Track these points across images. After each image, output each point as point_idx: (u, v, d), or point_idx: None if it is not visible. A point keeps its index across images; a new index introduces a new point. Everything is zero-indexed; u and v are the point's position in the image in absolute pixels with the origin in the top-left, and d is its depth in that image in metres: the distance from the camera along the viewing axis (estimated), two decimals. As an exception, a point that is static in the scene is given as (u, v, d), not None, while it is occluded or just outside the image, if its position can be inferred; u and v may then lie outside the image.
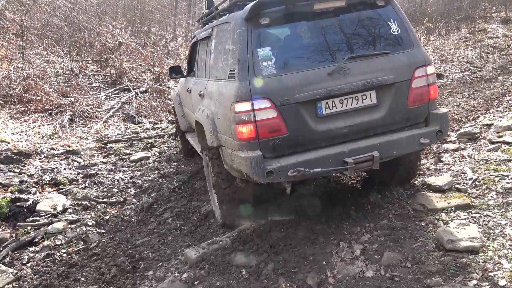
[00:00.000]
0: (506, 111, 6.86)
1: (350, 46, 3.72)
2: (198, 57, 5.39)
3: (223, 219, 4.31)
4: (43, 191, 6.33)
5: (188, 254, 3.92)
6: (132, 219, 5.32)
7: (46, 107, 10.54)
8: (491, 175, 4.50)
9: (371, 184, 4.72)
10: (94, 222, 5.25)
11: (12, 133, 8.98)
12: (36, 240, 4.88)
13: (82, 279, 3.97)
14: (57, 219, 5.37)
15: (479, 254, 3.19)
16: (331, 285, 3.14)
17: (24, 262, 4.45)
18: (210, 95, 4.19)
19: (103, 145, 8.88)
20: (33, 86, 10.91)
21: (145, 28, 20.31)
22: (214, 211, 4.64)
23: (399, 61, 3.72)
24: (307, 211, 4.30)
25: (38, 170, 7.09)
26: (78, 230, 5.03)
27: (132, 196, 6.15)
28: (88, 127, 10.08)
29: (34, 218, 5.43)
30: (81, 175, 7.01)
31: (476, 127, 6.21)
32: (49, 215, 5.50)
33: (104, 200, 6.03)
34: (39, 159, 7.75)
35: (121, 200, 6.02)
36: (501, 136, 5.59)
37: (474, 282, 2.91)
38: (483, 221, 3.68)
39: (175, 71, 6.25)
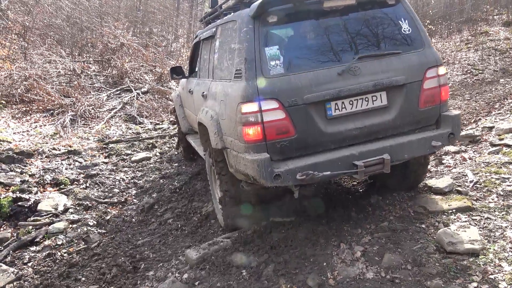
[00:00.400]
0: (508, 113, 6.86)
1: (360, 45, 3.62)
2: (201, 57, 5.30)
3: (226, 222, 4.22)
4: (44, 191, 6.34)
5: (189, 255, 3.93)
6: (133, 220, 5.33)
7: (47, 107, 10.55)
8: (492, 177, 4.51)
9: (372, 186, 4.72)
10: (95, 222, 5.26)
11: (14, 133, 9.00)
12: (37, 239, 4.89)
13: (83, 279, 3.97)
14: (58, 219, 5.38)
15: (480, 257, 3.19)
16: (332, 287, 3.14)
17: (25, 261, 4.46)
18: (214, 95, 4.09)
19: (104, 146, 8.90)
20: (35, 86, 10.93)
21: (147, 29, 20.35)
22: (216, 214, 4.57)
23: (411, 61, 3.63)
24: (307, 212, 4.30)
25: (39, 170, 7.11)
26: (79, 230, 5.03)
27: (133, 197, 6.16)
28: (90, 127, 10.10)
29: (35, 217, 5.44)
30: (82, 175, 7.03)
31: (477, 130, 6.22)
32: (50, 215, 5.51)
33: (105, 200, 6.04)
34: (41, 159, 7.76)
35: (122, 200, 6.04)
36: (502, 139, 5.60)
37: (475, 284, 2.91)
38: (484, 223, 3.68)
39: (176, 72, 6.15)
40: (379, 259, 3.34)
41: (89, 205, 5.86)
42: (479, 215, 3.82)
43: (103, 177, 6.96)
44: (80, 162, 7.77)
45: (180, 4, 24.96)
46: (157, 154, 8.26)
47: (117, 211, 5.65)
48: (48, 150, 8.22)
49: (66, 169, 7.33)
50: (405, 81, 3.57)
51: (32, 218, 5.43)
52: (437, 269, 3.12)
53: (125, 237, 4.80)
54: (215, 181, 4.44)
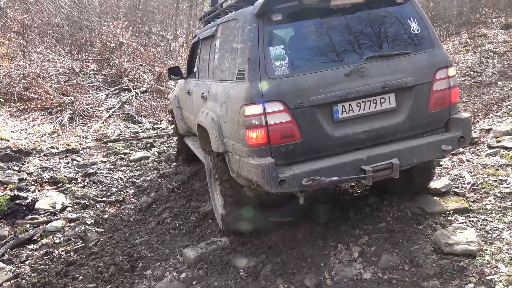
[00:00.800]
0: (505, 116, 6.89)
1: (368, 45, 3.49)
2: (200, 58, 5.14)
3: (226, 227, 4.09)
4: (42, 189, 6.33)
5: (187, 254, 3.93)
6: (131, 219, 5.33)
7: (46, 106, 10.54)
8: (489, 179, 4.52)
9: (371, 188, 4.71)
10: (93, 221, 5.26)
11: (12, 131, 8.99)
12: (35, 238, 4.88)
13: (81, 277, 3.97)
14: (56, 218, 5.38)
15: (477, 258, 3.21)
16: (329, 287, 3.15)
17: (22, 259, 4.46)
18: (214, 97, 3.95)
19: (102, 144, 8.89)
20: (34, 85, 10.91)
21: (146, 28, 20.34)
22: (216, 218, 4.46)
23: (420, 62, 3.51)
24: (305, 213, 4.31)
25: (37, 168, 7.10)
26: (76, 228, 5.03)
27: (131, 196, 6.16)
28: (88, 126, 10.09)
29: (33, 216, 5.43)
30: (80, 174, 7.02)
31: (475, 132, 6.24)
32: (48, 213, 5.50)
33: (103, 199, 6.03)
34: (39, 157, 7.75)
35: (120, 199, 6.03)
36: (499, 141, 5.62)
37: (471, 285, 2.92)
38: (481, 225, 3.70)
39: (174, 73, 6.01)
40: (377, 260, 3.36)
41: (87, 203, 5.85)
42: (476, 217, 3.84)
43: (101, 176, 6.96)
44: (78, 161, 7.76)
45: (179, 4, 24.95)
46: (155, 153, 8.26)
47: (115, 210, 5.64)
48: (46, 148, 8.21)
49: (64, 167, 7.32)
50: (414, 82, 3.46)
51: (29, 217, 5.42)
52: (434, 270, 3.13)
53: (122, 236, 4.80)
54: (215, 185, 4.33)
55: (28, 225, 5.17)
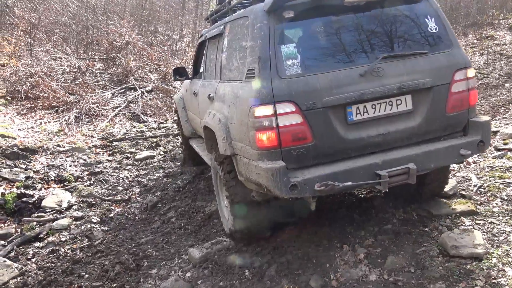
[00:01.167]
0: (512, 118, 6.85)
1: (384, 44, 3.36)
2: (207, 57, 5.00)
3: (233, 232, 3.94)
4: (48, 188, 6.37)
5: (192, 254, 3.94)
6: (137, 218, 5.35)
7: (52, 104, 10.59)
8: (496, 182, 4.50)
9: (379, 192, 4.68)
10: (99, 220, 5.28)
11: (19, 129, 9.04)
12: (41, 235, 4.92)
13: (86, 275, 3.99)
14: (62, 216, 5.41)
15: (483, 261, 3.19)
16: (334, 288, 3.15)
17: (29, 257, 4.49)
18: (222, 97, 3.82)
19: (108, 143, 8.93)
20: (40, 83, 10.97)
21: (152, 28, 20.39)
22: (222, 223, 4.31)
23: (438, 63, 3.36)
24: (311, 213, 4.30)
25: (44, 167, 7.14)
26: (82, 227, 5.06)
27: (136, 195, 6.18)
28: (94, 125, 10.13)
29: (39, 214, 5.48)
30: (86, 173, 7.06)
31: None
32: (54, 211, 5.54)
33: (109, 197, 6.06)
34: (45, 155, 7.80)
35: (126, 198, 6.06)
36: (506, 143, 5.59)
37: (478, 288, 2.91)
38: (488, 228, 3.68)
39: (179, 73, 5.89)
40: (382, 262, 3.35)
41: (93, 202, 5.88)
42: (482, 219, 3.82)
43: (107, 175, 6.99)
44: (84, 160, 7.80)
45: (185, 3, 24.99)
46: (161, 152, 8.28)
47: (120, 209, 5.67)
48: (53, 147, 8.25)
49: (70, 166, 7.36)
50: (432, 83, 3.32)
51: (36, 214, 5.46)
52: (440, 272, 3.12)
53: (128, 235, 4.81)
54: (222, 189, 4.20)
55: (34, 223, 5.21)
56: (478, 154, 5.48)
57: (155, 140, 9.11)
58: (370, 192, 4.76)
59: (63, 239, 4.78)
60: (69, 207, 5.71)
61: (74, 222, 5.21)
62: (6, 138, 8.13)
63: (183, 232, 4.72)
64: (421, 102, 3.35)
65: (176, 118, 8.53)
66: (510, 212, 3.87)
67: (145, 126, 10.51)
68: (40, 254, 4.52)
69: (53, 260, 4.36)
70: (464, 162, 5.34)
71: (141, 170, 7.27)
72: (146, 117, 11.07)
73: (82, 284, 3.85)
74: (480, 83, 10.68)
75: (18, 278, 4.04)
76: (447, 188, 4.36)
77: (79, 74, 12.52)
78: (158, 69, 14.24)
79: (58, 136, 9.14)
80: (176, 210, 5.37)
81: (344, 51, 3.27)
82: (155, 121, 10.93)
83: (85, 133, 9.54)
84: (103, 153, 8.35)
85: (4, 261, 4.27)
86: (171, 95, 12.38)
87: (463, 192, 4.39)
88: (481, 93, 9.62)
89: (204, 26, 18.51)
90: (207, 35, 5.03)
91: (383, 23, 3.40)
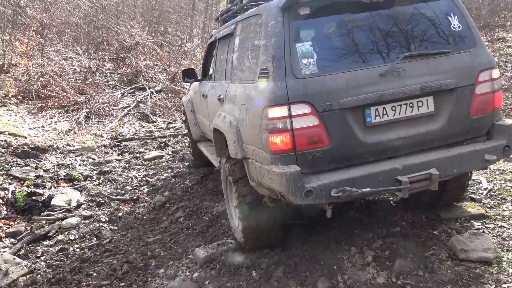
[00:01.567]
0: (524, 121, 6.77)
1: (405, 43, 3.21)
2: (217, 58, 4.86)
3: (244, 240, 3.79)
4: (58, 186, 6.42)
5: (197, 253, 3.96)
6: (145, 217, 5.37)
7: (63, 104, 10.69)
8: (506, 185, 4.46)
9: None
10: (107, 219, 5.31)
11: (30, 128, 9.13)
12: (50, 234, 4.95)
13: (94, 274, 4.01)
14: (71, 214, 5.45)
15: (493, 265, 3.16)
16: (342, 290, 3.14)
17: (38, 255, 4.52)
18: (233, 99, 3.68)
19: (117, 143, 8.99)
20: (51, 83, 11.08)
21: (162, 28, 20.49)
22: (233, 231, 4.15)
23: (462, 63, 3.20)
24: (319, 215, 4.29)
25: (53, 166, 7.20)
26: (91, 226, 5.09)
27: (145, 194, 6.21)
28: (104, 125, 10.20)
29: (49, 212, 5.51)
30: (95, 172, 7.10)
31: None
32: (63, 210, 5.58)
33: (118, 197, 6.09)
34: (55, 154, 7.86)
35: (134, 197, 6.08)
36: (518, 147, 5.52)
37: (487, 293, 2.88)
38: (498, 232, 3.64)
39: (188, 75, 5.75)
40: (390, 264, 3.33)
41: (102, 201, 5.91)
42: (492, 223, 3.79)
43: (115, 174, 7.03)
44: (94, 159, 7.86)
45: (195, 4, 25.08)
46: (170, 153, 8.31)
47: (129, 208, 5.69)
48: (63, 146, 8.32)
49: (79, 165, 7.42)
50: (455, 84, 3.16)
51: (45, 213, 5.50)
52: (449, 276, 3.10)
53: (136, 234, 4.83)
54: (231, 195, 4.01)
55: (44, 221, 5.25)
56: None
57: (163, 140, 9.15)
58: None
59: (72, 238, 4.81)
60: (78, 206, 5.75)
61: (83, 221, 5.24)
62: (17, 137, 8.21)
63: (191, 232, 4.73)
64: (444, 104, 3.19)
65: (184, 120, 8.39)
66: (521, 216, 3.82)
67: (154, 126, 10.56)
68: (49, 252, 4.56)
69: (62, 258, 4.39)
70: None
71: (149, 170, 7.31)
72: (155, 117, 11.13)
73: (90, 282, 3.87)
74: (491, 86, 10.56)
75: (27, 276, 4.07)
76: (456, 191, 4.30)
77: (90, 74, 12.62)
78: (168, 69, 14.31)
79: (68, 135, 9.21)
80: (184, 210, 5.38)
81: (363, 50, 3.12)
82: (164, 121, 10.98)
83: (94, 132, 9.61)
84: (112, 153, 8.40)
85: (14, 258, 4.30)
86: (180, 96, 12.44)
87: (473, 195, 4.35)
88: (492, 96, 9.52)
89: (214, 27, 18.55)
90: (217, 35, 4.92)
91: (404, 20, 3.24)
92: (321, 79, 2.95)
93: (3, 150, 7.26)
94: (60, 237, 4.85)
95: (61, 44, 13.69)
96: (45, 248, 4.66)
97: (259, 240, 3.74)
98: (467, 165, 3.23)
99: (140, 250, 4.38)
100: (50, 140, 8.57)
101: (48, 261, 4.37)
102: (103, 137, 9.39)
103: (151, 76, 13.55)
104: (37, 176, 6.54)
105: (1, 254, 4.39)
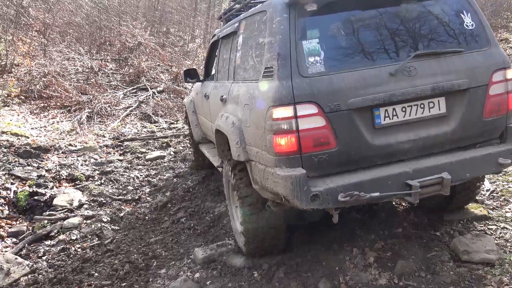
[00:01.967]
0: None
1: (416, 41, 3.08)
2: (219, 58, 4.74)
3: (247, 246, 3.67)
4: (60, 186, 6.43)
5: (196, 254, 3.97)
6: (146, 217, 5.37)
7: (65, 104, 10.72)
8: (509, 187, 4.44)
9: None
10: (109, 219, 5.31)
11: (32, 128, 9.15)
12: (52, 234, 4.96)
13: (96, 274, 4.02)
14: (73, 214, 5.46)
15: (495, 267, 3.15)
16: (343, 291, 3.13)
17: (39, 255, 4.53)
18: (236, 99, 3.58)
19: (119, 143, 9.00)
20: (54, 83, 11.11)
21: (164, 29, 20.52)
22: (235, 237, 4.05)
23: (475, 62, 3.07)
24: (321, 216, 4.28)
25: (55, 165, 7.21)
26: (93, 225, 5.09)
27: (146, 195, 6.21)
28: (105, 125, 10.21)
29: (51, 212, 5.52)
30: (97, 172, 7.11)
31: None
32: (65, 210, 5.59)
33: (119, 197, 6.09)
34: (57, 154, 7.88)
35: (136, 198, 6.09)
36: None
37: (490, 294, 2.87)
38: (500, 233, 3.63)
39: (190, 75, 5.65)
40: (392, 266, 3.32)
41: (104, 201, 5.92)
42: (495, 225, 3.77)
43: (117, 174, 7.03)
44: (96, 159, 7.87)
45: (197, 4, 25.10)
46: (171, 153, 8.31)
47: (130, 209, 5.70)
48: (65, 146, 8.34)
49: (81, 165, 7.43)
50: (468, 85, 3.03)
51: (47, 213, 5.51)
52: (451, 277, 3.09)
53: (138, 234, 4.83)
54: (234, 199, 3.90)
55: (45, 221, 5.25)
56: None
57: (165, 140, 9.15)
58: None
59: (73, 238, 4.82)
60: (80, 206, 5.76)
61: (84, 221, 5.25)
62: (19, 137, 8.23)
63: (193, 233, 4.73)
64: (456, 106, 3.06)
65: (186, 122, 8.17)
66: (523, 217, 3.81)
67: (156, 126, 10.57)
68: (51, 252, 4.56)
69: (63, 258, 4.40)
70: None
71: (151, 170, 7.31)
72: (157, 117, 11.14)
73: (92, 282, 3.88)
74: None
75: (29, 276, 4.08)
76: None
77: (92, 74, 12.65)
78: (170, 70, 14.33)
79: (70, 135, 9.23)
80: (186, 210, 5.38)
81: (372, 48, 3.00)
82: (165, 122, 10.98)
83: (96, 132, 9.62)
84: (114, 153, 8.41)
85: (16, 258, 4.31)
86: (182, 96, 12.44)
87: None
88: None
89: (216, 27, 18.58)
90: (220, 35, 4.80)
91: (414, 18, 3.12)
92: (328, 78, 2.84)
93: (5, 150, 7.29)
94: (61, 237, 4.85)
95: (63, 44, 13.72)
96: (47, 248, 4.67)
97: (261, 246, 3.64)
98: (481, 169, 3.09)
99: (141, 250, 4.38)
100: (52, 140, 8.59)
101: (49, 261, 4.37)
102: (105, 137, 9.40)
103: (153, 77, 13.57)
104: (39, 176, 6.55)
105: (3, 254, 4.40)
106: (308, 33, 2.93)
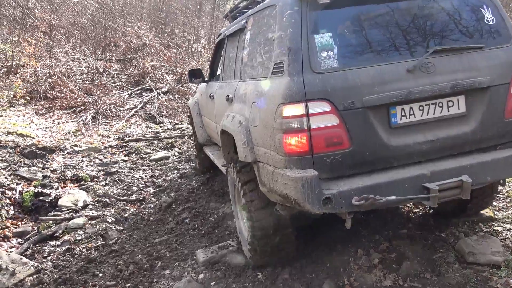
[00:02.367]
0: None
1: (435, 36, 2.92)
2: (225, 57, 4.59)
3: (254, 254, 3.52)
4: (65, 187, 6.46)
5: (198, 256, 3.98)
6: (151, 218, 5.38)
7: (70, 104, 10.75)
8: (515, 188, 4.41)
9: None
10: (114, 219, 5.32)
11: (37, 129, 9.19)
12: (57, 234, 4.98)
13: (101, 274, 4.02)
14: (78, 215, 5.47)
15: (501, 269, 3.12)
16: (348, 293, 3.12)
17: (44, 255, 4.55)
18: (243, 98, 3.43)
19: (124, 144, 9.02)
20: (59, 84, 11.15)
21: (169, 30, 20.56)
22: (241, 245, 3.90)
23: (496, 59, 2.92)
24: (325, 217, 4.25)
25: (61, 166, 7.24)
26: (97, 226, 5.10)
27: (151, 195, 6.22)
28: (110, 126, 10.24)
29: (56, 212, 5.55)
30: (102, 172, 7.13)
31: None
32: (70, 210, 5.61)
33: (124, 197, 6.11)
34: (62, 155, 7.91)
35: (141, 198, 6.10)
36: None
37: (496, 296, 2.85)
38: (506, 235, 3.60)
39: (195, 75, 5.54)
40: (397, 267, 3.30)
41: (108, 202, 5.93)
42: (501, 226, 3.74)
43: (122, 175, 7.05)
44: (100, 160, 7.89)
45: (202, 5, 25.14)
46: (176, 153, 8.33)
47: (135, 209, 5.71)
48: (70, 146, 8.37)
49: (86, 166, 7.45)
50: (489, 83, 2.87)
51: (52, 213, 5.54)
52: (456, 279, 3.07)
53: (142, 235, 4.84)
54: (240, 204, 3.72)
55: (50, 222, 5.28)
56: None
57: (170, 141, 9.17)
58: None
59: (78, 238, 4.83)
60: (85, 206, 5.78)
61: (89, 222, 5.26)
62: (25, 138, 8.26)
63: (197, 233, 4.73)
64: (476, 105, 2.91)
65: (190, 123, 7.95)
66: (530, 219, 3.78)
67: (161, 127, 10.59)
68: (56, 252, 4.58)
69: (68, 258, 4.41)
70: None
71: (156, 171, 7.32)
72: (161, 118, 11.16)
73: (96, 283, 3.88)
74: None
75: (34, 276, 4.10)
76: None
77: (97, 75, 12.69)
78: (174, 70, 14.36)
79: (75, 136, 9.26)
80: (190, 211, 5.38)
81: (388, 43, 2.86)
82: (170, 122, 11.00)
83: (101, 133, 9.65)
84: (119, 154, 8.43)
85: (21, 258, 4.33)
86: (187, 97, 12.46)
87: (481, 198, 4.30)
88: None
89: (221, 27, 18.58)
90: (226, 33, 4.67)
91: (433, 11, 2.96)
92: (342, 74, 2.69)
93: (11, 151, 7.32)
94: (66, 237, 4.87)
95: (69, 45, 13.78)
96: (52, 248, 4.69)
97: (270, 253, 3.48)
98: (503, 172, 2.92)
99: (146, 251, 4.39)
100: (57, 141, 8.62)
101: (54, 261, 4.39)
102: (110, 137, 9.43)
103: (158, 77, 13.60)
104: (44, 177, 6.58)
105: (8, 254, 4.42)
106: (321, 26, 2.78)
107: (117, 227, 5.14)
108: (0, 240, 4.93)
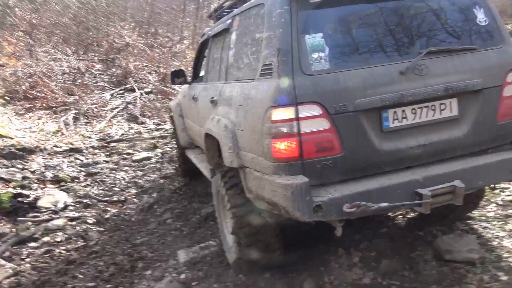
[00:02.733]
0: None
1: (428, 37, 2.86)
2: (210, 58, 4.45)
3: (239, 264, 3.43)
4: (44, 188, 6.37)
5: (179, 256, 3.97)
6: (132, 219, 5.34)
7: (51, 105, 10.63)
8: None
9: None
10: (94, 220, 5.27)
11: (17, 129, 9.04)
12: (36, 236, 4.90)
13: (80, 276, 3.98)
14: (58, 216, 5.40)
15: (477, 266, 3.19)
16: (328, 291, 3.15)
17: (23, 257, 4.47)
18: (228, 100, 3.31)
19: (106, 144, 8.93)
20: (39, 84, 11.01)
21: (152, 30, 20.43)
22: (225, 251, 3.75)
23: (488, 61, 2.87)
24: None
25: (40, 167, 7.14)
26: (78, 227, 5.05)
27: (133, 196, 6.18)
28: (92, 126, 10.14)
29: (35, 214, 5.46)
30: (83, 173, 7.05)
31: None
32: (49, 211, 5.53)
33: (105, 198, 6.05)
34: (42, 155, 7.80)
35: (122, 199, 6.05)
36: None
37: (471, 293, 2.92)
38: (482, 232, 3.68)
39: (178, 76, 5.42)
40: (377, 265, 3.35)
41: (89, 203, 5.87)
42: (477, 224, 3.83)
43: (103, 176, 6.99)
44: (81, 160, 7.81)
45: (186, 6, 25.04)
46: (158, 154, 8.28)
47: (116, 210, 5.66)
48: (50, 147, 8.26)
49: (67, 166, 7.36)
50: (482, 85, 2.81)
51: (31, 214, 5.45)
52: (433, 276, 3.12)
53: (123, 236, 4.81)
54: (225, 211, 3.60)
55: (29, 223, 5.20)
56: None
57: (152, 141, 9.12)
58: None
59: (58, 240, 4.78)
60: (65, 207, 5.70)
61: (69, 223, 5.20)
62: (4, 138, 8.13)
63: (179, 234, 4.72)
64: (468, 108, 2.85)
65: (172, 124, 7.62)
66: (504, 217, 3.87)
67: (143, 127, 10.52)
68: (35, 254, 4.51)
69: (47, 260, 4.35)
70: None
71: (138, 171, 7.27)
72: (144, 118, 11.08)
73: (76, 284, 3.84)
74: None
75: (12, 278, 4.03)
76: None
77: (79, 75, 12.55)
78: (158, 71, 14.27)
79: (55, 136, 9.15)
80: (172, 211, 5.37)
81: (381, 44, 2.77)
82: (153, 123, 10.93)
83: (83, 134, 9.55)
84: (100, 154, 8.35)
85: (-2, 260, 4.26)
86: (170, 97, 12.40)
87: (458, 197, 4.39)
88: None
89: (205, 28, 18.52)
90: (210, 33, 4.51)
91: (426, 12, 2.90)
92: (334, 77, 2.60)
93: (-11, 151, 7.19)
94: (46, 238, 4.81)
95: (50, 44, 13.60)
96: (31, 250, 4.62)
97: (255, 262, 3.35)
98: (495, 176, 2.87)
99: (127, 251, 4.36)
100: (37, 141, 8.50)
101: (33, 263, 4.33)
102: (91, 138, 9.33)
103: (140, 78, 13.50)
104: (24, 178, 6.48)
105: (-14, 256, 4.34)
106: (312, 26, 2.68)
107: (98, 228, 5.09)
108: (-23, 242, 4.84)
